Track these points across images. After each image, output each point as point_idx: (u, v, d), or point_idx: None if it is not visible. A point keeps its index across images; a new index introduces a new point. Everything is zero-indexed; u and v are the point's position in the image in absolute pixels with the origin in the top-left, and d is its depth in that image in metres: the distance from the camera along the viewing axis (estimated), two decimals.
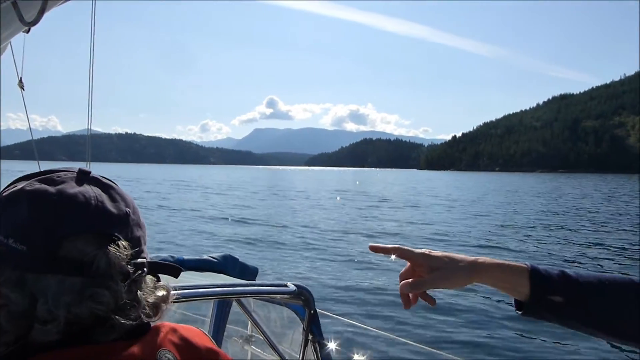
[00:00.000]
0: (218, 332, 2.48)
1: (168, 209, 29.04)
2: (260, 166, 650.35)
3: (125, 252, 0.75)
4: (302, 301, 2.12)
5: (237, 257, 2.35)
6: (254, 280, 2.30)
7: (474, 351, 7.39)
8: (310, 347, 2.26)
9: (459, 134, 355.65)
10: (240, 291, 1.90)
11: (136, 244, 0.79)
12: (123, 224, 0.79)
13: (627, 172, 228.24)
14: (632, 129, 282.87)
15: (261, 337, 2.49)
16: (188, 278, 1.87)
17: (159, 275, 0.82)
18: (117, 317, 0.71)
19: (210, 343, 0.84)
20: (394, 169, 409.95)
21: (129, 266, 0.75)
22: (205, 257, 2.27)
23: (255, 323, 2.46)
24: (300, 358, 2.28)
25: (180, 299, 1.44)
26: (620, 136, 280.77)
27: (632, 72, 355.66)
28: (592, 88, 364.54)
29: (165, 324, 0.82)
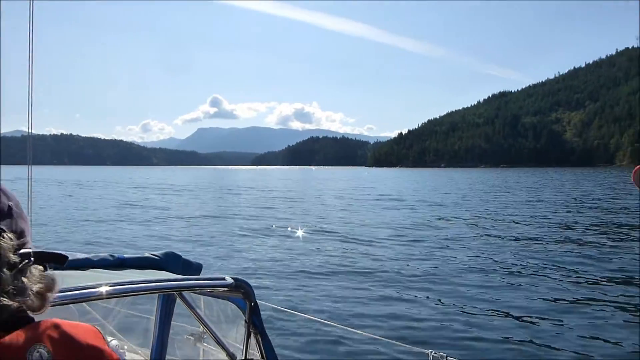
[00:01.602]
0: (163, 330, 2.43)
1: (113, 209, 28.75)
2: (206, 166, 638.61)
3: (10, 243, 0.76)
4: (242, 294, 2.12)
5: (180, 253, 2.33)
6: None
7: (414, 336, 7.33)
8: (253, 339, 2.25)
9: (404, 131, 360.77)
10: (175, 285, 1.87)
11: (21, 235, 0.81)
12: (7, 217, 0.81)
13: (565, 166, 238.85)
14: (568, 125, 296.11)
15: (208, 333, 2.48)
16: (128, 276, 1.85)
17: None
18: (2, 298, 0.72)
19: (97, 341, 0.81)
20: (341, 167, 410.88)
21: (14, 256, 0.76)
22: (146, 254, 2.23)
23: (199, 319, 2.45)
24: (244, 351, 2.26)
25: (113, 295, 1.54)
26: (557, 131, 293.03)
27: (566, 71, 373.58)
28: (529, 86, 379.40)
29: (53, 320, 0.80)
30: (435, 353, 2.95)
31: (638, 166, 0.83)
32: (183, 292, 2.34)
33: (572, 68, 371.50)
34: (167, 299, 2.45)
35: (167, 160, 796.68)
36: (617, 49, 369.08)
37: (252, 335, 2.24)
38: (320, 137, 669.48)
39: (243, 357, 2.28)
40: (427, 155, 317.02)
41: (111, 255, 2.07)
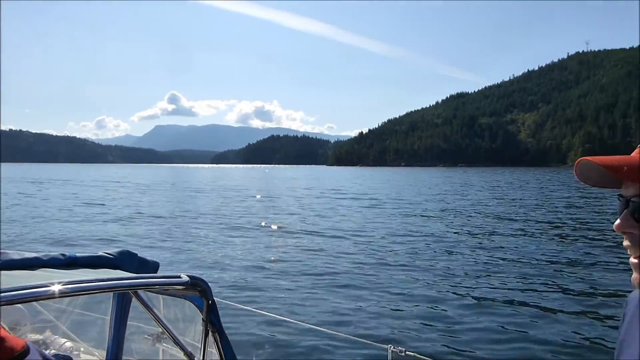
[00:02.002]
0: (119, 330, 2.38)
1: (67, 208, 27.86)
2: (164, 164, 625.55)
3: None
4: (199, 292, 2.09)
5: (136, 252, 2.28)
6: None
7: (374, 332, 7.35)
8: (211, 338, 2.24)
9: (365, 131, 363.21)
10: (129, 284, 1.82)
11: None
12: None
13: (519, 165, 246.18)
14: (522, 126, 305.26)
15: (166, 333, 2.43)
16: (79, 275, 1.77)
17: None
18: None
19: None
20: (302, 166, 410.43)
21: None
22: (100, 253, 2.18)
23: (156, 318, 2.40)
24: (202, 350, 2.24)
25: (65, 294, 1.48)
26: (512, 132, 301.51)
27: (520, 73, 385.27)
28: (485, 87, 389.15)
29: None
30: (394, 348, 2.94)
31: (578, 160, 0.67)
32: (138, 291, 2.29)
33: (526, 71, 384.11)
34: (122, 298, 2.38)
35: (123, 158, 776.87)
36: (568, 53, 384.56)
37: (209, 333, 2.23)
38: (281, 135, 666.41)
39: (201, 357, 2.25)
40: (388, 155, 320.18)
41: (62, 255, 2.00)
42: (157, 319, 2.41)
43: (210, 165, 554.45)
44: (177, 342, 2.42)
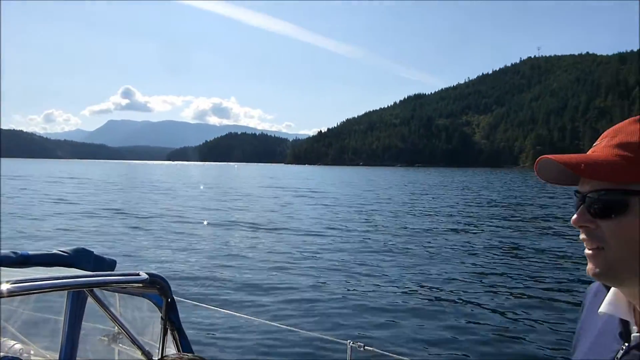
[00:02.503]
0: (73, 331, 2.31)
1: (17, 205, 26.56)
2: (117, 160, 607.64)
3: None
4: (158, 290, 2.04)
5: (92, 250, 2.19)
6: None
7: (330, 326, 7.48)
8: (170, 337, 2.19)
9: (324, 129, 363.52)
10: (84, 282, 1.75)
11: None
12: None
13: (474, 166, 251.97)
14: (477, 128, 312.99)
15: (123, 333, 2.38)
16: (33, 274, 1.69)
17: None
18: None
19: None
20: (260, 164, 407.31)
21: None
22: (54, 251, 2.09)
23: (113, 318, 2.34)
24: (160, 349, 2.19)
25: (15, 293, 1.42)
26: (467, 134, 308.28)
27: (475, 76, 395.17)
28: (442, 89, 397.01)
29: None
30: (353, 343, 2.94)
31: (539, 158, 0.70)
32: (94, 290, 2.22)
33: (481, 74, 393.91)
34: (77, 297, 2.31)
35: (73, 154, 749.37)
36: (520, 57, 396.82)
37: (168, 332, 2.18)
38: (239, 133, 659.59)
39: (160, 356, 2.15)
40: (346, 154, 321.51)
41: (14, 253, 1.92)
42: (114, 318, 2.34)
43: (168, 162, 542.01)
44: (134, 342, 2.36)
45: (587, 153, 0.86)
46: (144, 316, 2.36)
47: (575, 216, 0.86)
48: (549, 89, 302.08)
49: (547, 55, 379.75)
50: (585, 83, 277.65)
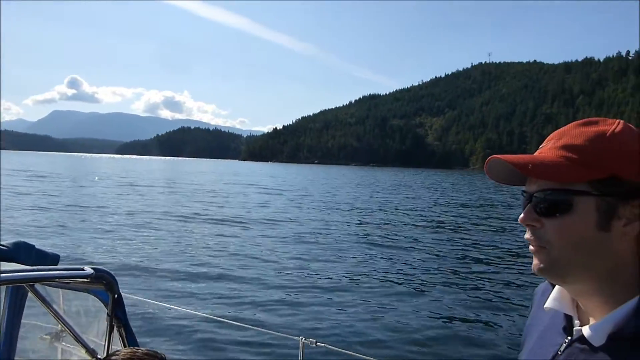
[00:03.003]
0: (12, 329, 2.22)
1: None
2: (62, 152, 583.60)
3: None
4: (104, 285, 1.97)
5: (33, 244, 2.09)
6: None
7: (282, 322, 7.42)
8: (116, 334, 2.13)
9: (279, 127, 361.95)
10: (24, 277, 1.63)
11: None
12: None
13: (426, 167, 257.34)
14: (430, 129, 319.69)
15: (66, 331, 2.29)
16: None
17: None
18: None
19: None
20: (215, 160, 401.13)
21: None
22: None
23: (56, 315, 2.24)
24: (106, 346, 2.12)
25: None
26: (420, 135, 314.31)
27: (428, 79, 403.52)
28: (396, 90, 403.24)
29: None
30: (305, 339, 2.93)
31: (489, 158, 0.81)
32: (36, 285, 2.12)
33: (434, 77, 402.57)
34: (16, 293, 2.22)
35: (14, 144, 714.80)
36: (472, 63, 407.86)
37: (115, 329, 2.11)
38: (192, 127, 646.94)
39: (105, 353, 2.10)
40: (302, 152, 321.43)
41: None
42: (57, 315, 2.23)
43: (116, 155, 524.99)
44: (78, 340, 2.26)
45: (534, 154, 0.89)
46: (89, 313, 2.27)
47: (522, 215, 0.89)
48: (498, 94, 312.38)
49: (497, 61, 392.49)
50: (533, 90, 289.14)
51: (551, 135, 0.90)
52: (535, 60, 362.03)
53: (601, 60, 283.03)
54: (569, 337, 0.90)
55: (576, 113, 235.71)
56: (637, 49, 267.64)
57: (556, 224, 0.84)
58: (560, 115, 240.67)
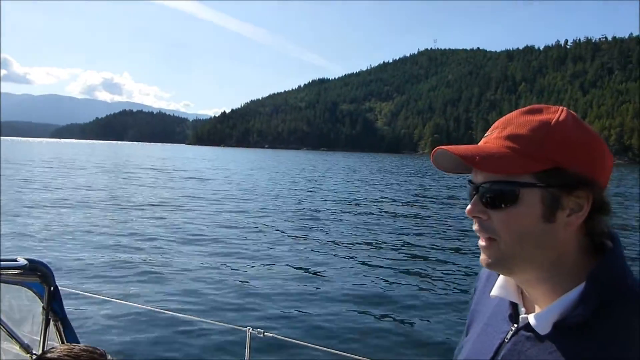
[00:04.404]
0: None
1: None
2: None
3: None
4: (39, 277, 1.88)
5: None
6: None
7: (228, 313, 7.32)
8: (52, 328, 2.03)
9: (227, 110, 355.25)
10: None
11: None
12: None
13: (376, 152, 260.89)
14: (379, 114, 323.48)
15: None
16: None
17: None
18: None
19: None
20: (160, 144, 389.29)
21: None
22: None
23: None
24: (41, 341, 2.03)
25: None
26: (370, 119, 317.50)
27: (376, 64, 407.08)
28: (345, 75, 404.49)
29: None
30: (252, 330, 2.94)
31: (435, 149, 0.82)
32: None
33: (382, 62, 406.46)
34: None
35: None
36: (418, 49, 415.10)
37: (51, 323, 2.01)
38: (135, 110, 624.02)
39: (40, 348, 2.00)
40: (251, 136, 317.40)
41: None
42: None
43: (51, 139, 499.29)
44: (11, 335, 2.12)
45: (479, 144, 0.89)
46: (22, 307, 2.17)
47: (469, 206, 0.89)
48: (445, 80, 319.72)
49: (443, 48, 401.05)
50: (478, 76, 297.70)
51: (496, 124, 0.90)
52: (478, 48, 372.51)
53: (541, 49, 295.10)
54: (515, 325, 0.91)
55: (518, 99, 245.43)
56: (575, 38, 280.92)
57: (502, 215, 0.84)
58: (503, 102, 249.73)
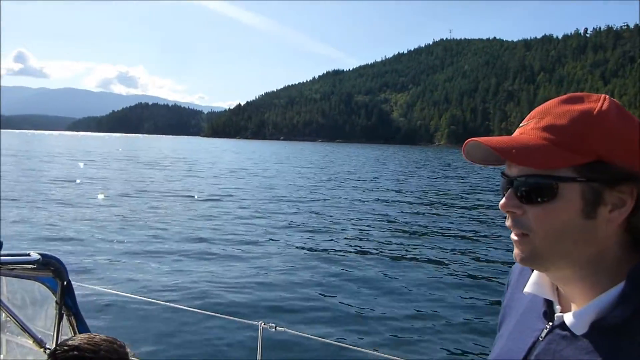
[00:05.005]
0: None
1: None
2: (10, 130, 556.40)
3: None
4: (52, 272, 1.87)
5: None
6: None
7: (240, 308, 7.34)
8: (66, 322, 2.03)
9: (243, 102, 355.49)
10: None
11: None
12: None
13: (392, 143, 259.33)
14: (395, 105, 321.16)
15: (11, 320, 2.17)
16: None
17: None
18: None
19: None
20: (175, 136, 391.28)
21: None
22: None
23: None
24: (55, 336, 2.02)
25: None
26: (385, 111, 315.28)
27: (391, 55, 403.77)
28: (360, 66, 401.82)
29: None
30: (265, 324, 2.92)
31: (467, 140, 0.76)
32: None
33: (397, 53, 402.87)
34: None
35: None
36: (433, 39, 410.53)
37: (64, 318, 2.01)
38: (150, 103, 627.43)
39: (54, 343, 1.99)
40: (266, 128, 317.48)
41: None
42: (0, 304, 2.13)
43: (68, 132, 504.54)
44: (25, 329, 2.14)
45: (514, 135, 0.85)
46: (36, 301, 2.17)
47: (503, 200, 0.85)
48: (461, 71, 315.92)
49: (458, 38, 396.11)
50: (494, 67, 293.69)
51: (532, 113, 0.85)
52: (495, 37, 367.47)
53: (559, 38, 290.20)
54: (550, 323, 0.87)
55: (537, 89, 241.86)
56: (595, 27, 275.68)
57: (539, 211, 0.80)
58: (522, 92, 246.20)
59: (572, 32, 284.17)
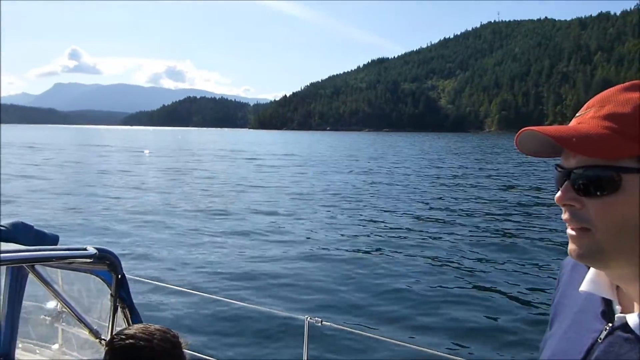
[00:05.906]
0: (13, 310, 2.18)
1: None
2: (68, 125, 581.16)
3: None
4: (107, 266, 1.95)
5: (32, 224, 2.06)
6: None
7: (287, 302, 7.43)
8: (120, 314, 2.12)
9: (288, 94, 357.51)
10: (25, 257, 1.62)
11: None
12: None
13: (440, 131, 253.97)
14: (442, 92, 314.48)
15: (68, 311, 2.26)
16: None
17: None
18: None
19: None
20: (223, 129, 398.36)
21: None
22: None
23: (57, 295, 2.23)
24: (110, 327, 2.11)
25: None
26: (433, 98, 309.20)
27: (437, 41, 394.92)
28: (405, 53, 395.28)
29: None
30: (311, 318, 2.93)
31: (521, 130, 0.70)
32: (36, 266, 2.07)
33: (443, 38, 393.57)
34: (17, 274, 2.16)
35: (20, 119, 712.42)
36: (481, 22, 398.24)
37: (119, 310, 2.10)
38: (198, 97, 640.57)
39: (109, 333, 2.07)
40: (313, 118, 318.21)
41: None
42: (58, 296, 2.22)
43: (122, 127, 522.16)
44: (81, 320, 2.24)
45: (571, 124, 0.82)
46: (92, 293, 2.26)
47: (559, 193, 0.81)
48: (511, 54, 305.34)
49: (507, 20, 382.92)
50: (547, 48, 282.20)
51: (591, 102, 0.82)
52: (546, 17, 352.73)
53: (617, 15, 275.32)
54: (610, 324, 0.81)
55: (594, 70, 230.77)
56: None
57: (600, 204, 0.76)
58: (577, 73, 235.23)
59: (632, 8, 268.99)
